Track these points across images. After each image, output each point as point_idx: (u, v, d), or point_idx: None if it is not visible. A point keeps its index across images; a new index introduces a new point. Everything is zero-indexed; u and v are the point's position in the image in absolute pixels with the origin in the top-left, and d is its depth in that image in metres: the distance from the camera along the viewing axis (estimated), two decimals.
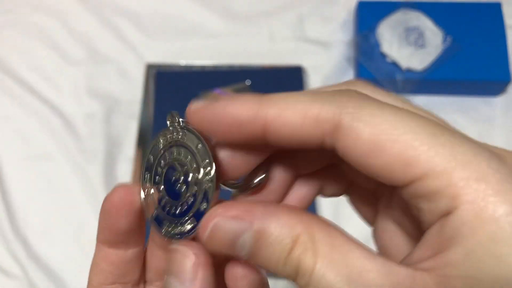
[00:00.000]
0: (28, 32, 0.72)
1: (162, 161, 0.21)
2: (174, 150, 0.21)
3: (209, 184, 0.20)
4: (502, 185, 0.15)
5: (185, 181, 0.20)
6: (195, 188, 0.20)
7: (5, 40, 0.72)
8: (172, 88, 0.67)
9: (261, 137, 0.18)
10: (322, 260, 0.17)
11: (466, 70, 0.64)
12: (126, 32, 0.72)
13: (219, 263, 0.21)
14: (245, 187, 0.21)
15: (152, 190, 0.21)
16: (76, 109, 0.67)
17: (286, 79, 0.67)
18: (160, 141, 0.21)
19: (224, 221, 0.18)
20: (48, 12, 0.73)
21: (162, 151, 0.21)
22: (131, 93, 0.68)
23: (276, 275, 0.18)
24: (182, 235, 0.20)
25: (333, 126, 0.17)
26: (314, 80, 0.68)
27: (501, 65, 0.64)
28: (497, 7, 0.66)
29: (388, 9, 0.66)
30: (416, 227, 0.21)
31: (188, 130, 0.20)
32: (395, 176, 0.16)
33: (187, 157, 0.21)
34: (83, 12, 0.73)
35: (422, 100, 0.66)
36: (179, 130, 0.21)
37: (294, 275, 0.17)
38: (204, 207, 0.20)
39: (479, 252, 0.15)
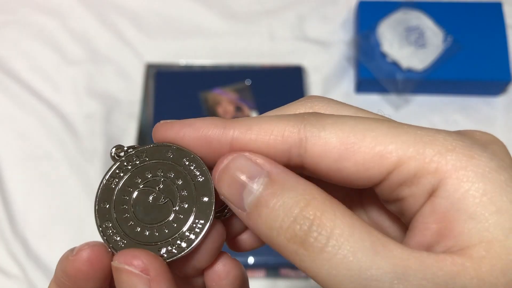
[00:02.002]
0: (28, 32, 0.72)
1: (126, 191, 0.20)
2: (147, 174, 0.20)
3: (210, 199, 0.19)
4: (471, 150, 0.16)
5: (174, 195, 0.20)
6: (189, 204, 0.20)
7: (5, 40, 0.72)
8: (171, 88, 0.66)
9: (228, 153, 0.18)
10: (342, 224, 0.16)
11: (466, 70, 0.63)
12: (126, 32, 0.72)
13: (184, 275, 0.20)
14: (219, 215, 0.21)
15: (117, 238, 0.20)
16: (76, 109, 0.67)
17: (286, 79, 0.67)
18: (110, 179, 0.20)
19: (244, 158, 0.18)
20: (48, 12, 0.73)
21: (117, 185, 0.20)
22: (131, 93, 0.67)
23: (273, 241, 0.17)
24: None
25: (299, 140, 0.17)
26: (314, 80, 0.68)
27: (502, 65, 0.63)
28: (498, 7, 0.66)
29: (388, 9, 0.66)
30: (395, 224, 0.21)
31: (160, 146, 0.20)
32: (370, 173, 0.17)
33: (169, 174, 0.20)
34: (82, 12, 0.73)
35: (422, 100, 0.66)
36: (140, 153, 0.20)
37: (301, 238, 0.16)
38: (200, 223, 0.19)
39: (483, 212, 0.15)
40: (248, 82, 0.66)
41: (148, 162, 0.20)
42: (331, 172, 0.17)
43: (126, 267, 0.18)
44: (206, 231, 0.19)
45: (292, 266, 0.57)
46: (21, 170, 0.64)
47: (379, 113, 0.20)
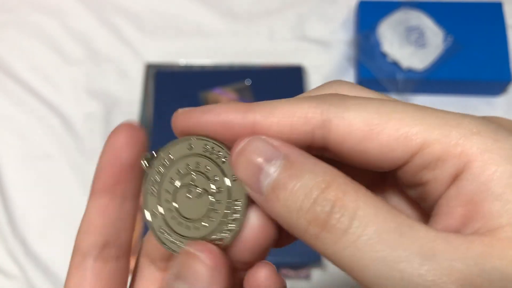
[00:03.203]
0: (27, 32, 0.72)
1: (175, 177, 0.20)
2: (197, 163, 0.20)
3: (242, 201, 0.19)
4: (497, 134, 0.16)
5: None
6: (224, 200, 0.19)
7: (5, 39, 0.71)
8: (171, 88, 0.66)
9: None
10: (366, 205, 0.15)
11: (466, 70, 0.63)
12: (126, 31, 0.72)
13: (234, 268, 0.20)
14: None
15: (161, 209, 0.20)
16: (76, 109, 0.67)
17: (286, 79, 0.67)
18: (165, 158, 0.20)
19: (260, 141, 0.17)
20: (48, 11, 0.73)
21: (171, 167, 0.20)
22: (131, 93, 0.67)
23: (292, 225, 0.16)
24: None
25: (322, 121, 0.17)
26: (314, 79, 0.68)
27: (502, 65, 0.63)
28: (498, 7, 0.66)
29: (388, 9, 0.66)
30: (415, 211, 0.20)
31: (181, 141, 0.20)
32: (394, 155, 0.17)
33: (210, 171, 0.20)
34: (82, 12, 0.73)
35: (422, 100, 0.66)
36: (166, 154, 0.20)
37: (323, 220, 0.15)
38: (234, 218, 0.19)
39: (510, 193, 0.15)
40: (248, 82, 0.66)
41: (175, 160, 0.20)
42: (354, 153, 0.17)
43: (198, 253, 0.18)
44: (246, 207, 0.19)
45: (292, 266, 0.57)
46: (21, 170, 0.63)
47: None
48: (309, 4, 0.73)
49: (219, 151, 0.19)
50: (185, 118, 0.19)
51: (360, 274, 0.15)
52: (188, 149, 0.20)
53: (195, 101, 0.65)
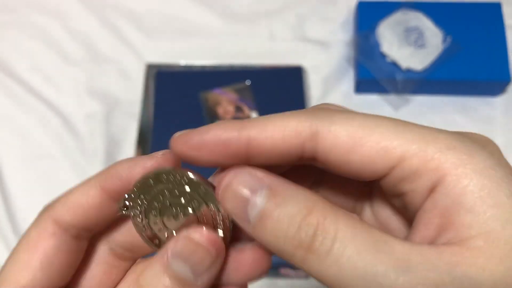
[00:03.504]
0: (28, 32, 0.72)
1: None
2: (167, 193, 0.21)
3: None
4: (471, 149, 0.17)
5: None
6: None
7: (6, 40, 0.72)
8: (172, 88, 0.67)
9: (245, 156, 0.19)
10: (345, 227, 0.17)
11: (466, 70, 0.64)
12: (126, 32, 0.72)
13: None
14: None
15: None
16: (76, 109, 0.67)
17: (286, 79, 0.67)
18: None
19: (245, 174, 0.19)
20: (49, 12, 0.73)
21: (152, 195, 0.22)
22: (131, 93, 0.68)
23: (280, 250, 0.17)
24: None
25: (311, 134, 0.18)
26: (314, 80, 0.68)
27: (501, 65, 0.64)
28: (497, 7, 0.66)
29: (388, 9, 0.66)
30: (400, 219, 0.21)
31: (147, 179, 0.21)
32: (375, 166, 0.18)
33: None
34: (83, 12, 0.73)
35: (422, 100, 0.66)
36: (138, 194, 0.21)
37: (307, 244, 0.17)
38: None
39: (481, 205, 0.16)
40: (248, 82, 0.66)
41: (147, 197, 0.22)
42: (340, 164, 0.18)
43: (203, 243, 0.19)
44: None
45: (292, 266, 0.57)
46: (22, 170, 0.64)
47: None
48: (309, 4, 0.73)
49: (177, 177, 0.21)
50: (182, 141, 0.20)
51: None
52: (152, 183, 0.21)
53: (196, 101, 0.65)
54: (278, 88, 0.66)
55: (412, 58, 0.64)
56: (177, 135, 0.20)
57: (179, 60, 0.70)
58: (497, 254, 0.16)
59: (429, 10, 0.66)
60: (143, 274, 0.20)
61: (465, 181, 0.16)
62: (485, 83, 0.64)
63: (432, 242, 0.17)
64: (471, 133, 0.19)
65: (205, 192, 0.20)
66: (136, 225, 0.22)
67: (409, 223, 0.20)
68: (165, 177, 0.21)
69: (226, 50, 0.71)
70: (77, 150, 0.64)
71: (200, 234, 0.19)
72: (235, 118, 0.64)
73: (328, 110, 0.19)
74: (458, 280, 0.16)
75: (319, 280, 0.17)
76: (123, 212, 0.22)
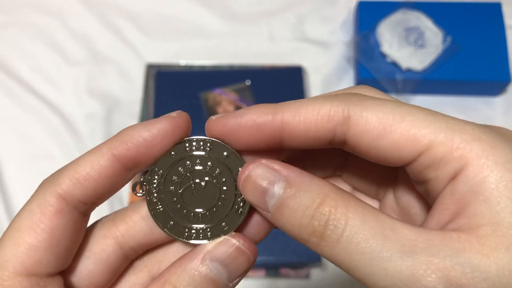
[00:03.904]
0: (28, 33, 0.72)
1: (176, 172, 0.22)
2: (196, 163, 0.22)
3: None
4: (495, 142, 0.17)
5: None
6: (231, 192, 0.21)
7: (6, 40, 0.72)
8: (172, 88, 0.67)
9: (278, 139, 0.20)
10: (354, 216, 0.18)
11: (466, 70, 0.64)
12: (126, 32, 0.72)
13: None
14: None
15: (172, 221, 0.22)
16: (77, 109, 0.67)
17: (286, 79, 0.67)
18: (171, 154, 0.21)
19: (263, 167, 0.20)
20: (49, 12, 0.73)
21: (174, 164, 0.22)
22: (131, 93, 0.68)
23: (296, 237, 0.19)
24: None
25: (343, 118, 0.19)
26: (314, 80, 0.68)
27: (501, 65, 0.64)
28: (497, 7, 0.66)
29: (388, 9, 0.66)
30: (422, 204, 0.22)
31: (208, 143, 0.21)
32: (403, 153, 0.18)
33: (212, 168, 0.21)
34: (83, 13, 0.73)
35: (422, 100, 0.66)
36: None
37: (320, 232, 0.18)
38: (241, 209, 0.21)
39: (497, 196, 0.17)
40: (248, 82, 0.66)
41: (164, 172, 0.22)
42: (369, 149, 0.19)
43: (246, 251, 0.21)
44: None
45: (291, 266, 0.57)
46: (22, 170, 0.64)
47: None
48: (309, 5, 0.73)
49: (203, 144, 0.21)
50: (218, 124, 0.21)
51: (354, 273, 0.18)
52: (172, 156, 0.21)
53: (196, 101, 0.65)
54: (278, 88, 0.66)
55: (412, 58, 0.64)
56: (213, 118, 0.21)
57: (179, 60, 0.70)
58: (505, 244, 0.16)
59: (429, 10, 0.66)
60: (175, 273, 0.20)
61: (486, 172, 0.17)
62: (485, 83, 0.64)
63: (444, 227, 0.18)
64: (498, 127, 0.19)
65: (227, 156, 0.21)
66: (150, 204, 0.21)
67: (430, 209, 0.21)
68: (188, 145, 0.21)
69: (226, 50, 0.71)
70: (77, 150, 0.64)
71: (243, 241, 0.21)
72: None
73: (360, 95, 0.20)
74: (460, 266, 0.16)
75: (332, 262, 0.19)
76: (136, 193, 0.21)
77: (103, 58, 0.70)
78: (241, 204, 0.21)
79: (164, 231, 0.22)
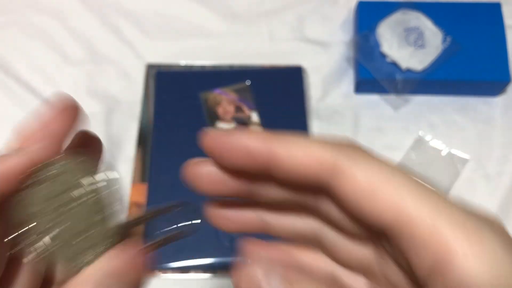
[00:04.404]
0: (28, 32, 0.72)
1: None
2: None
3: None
4: (481, 229, 0.16)
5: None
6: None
7: (6, 40, 0.72)
8: (172, 88, 0.67)
9: (265, 167, 0.19)
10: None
11: (465, 70, 0.64)
12: (126, 32, 0.72)
13: None
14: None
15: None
16: None
17: (286, 79, 0.67)
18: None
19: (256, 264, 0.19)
20: (49, 12, 0.73)
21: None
22: (131, 93, 0.68)
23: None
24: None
25: (332, 167, 0.18)
26: (314, 80, 0.68)
27: (501, 66, 0.64)
28: (497, 7, 0.66)
29: (388, 9, 0.67)
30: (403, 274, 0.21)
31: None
32: (383, 220, 0.17)
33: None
34: (83, 12, 0.73)
35: (422, 100, 0.66)
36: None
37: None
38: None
39: None
40: (248, 83, 0.66)
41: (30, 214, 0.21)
42: (350, 205, 0.18)
43: None
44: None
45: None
46: None
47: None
48: (309, 4, 0.73)
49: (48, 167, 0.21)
50: (212, 139, 0.20)
51: None
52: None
53: (196, 102, 0.65)
54: (278, 88, 0.66)
55: (412, 58, 0.64)
56: (211, 133, 0.21)
57: (179, 60, 0.70)
58: None
59: (429, 10, 0.66)
60: None
61: (470, 263, 0.16)
62: (485, 83, 0.64)
63: None
64: (480, 210, 0.18)
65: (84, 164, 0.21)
66: (37, 258, 0.20)
67: (410, 277, 0.20)
68: (48, 171, 0.20)
69: (226, 50, 0.71)
70: None
71: (130, 252, 0.20)
72: (235, 118, 0.64)
73: (356, 148, 0.19)
74: None
75: None
76: (15, 252, 0.20)
77: (103, 58, 0.70)
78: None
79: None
